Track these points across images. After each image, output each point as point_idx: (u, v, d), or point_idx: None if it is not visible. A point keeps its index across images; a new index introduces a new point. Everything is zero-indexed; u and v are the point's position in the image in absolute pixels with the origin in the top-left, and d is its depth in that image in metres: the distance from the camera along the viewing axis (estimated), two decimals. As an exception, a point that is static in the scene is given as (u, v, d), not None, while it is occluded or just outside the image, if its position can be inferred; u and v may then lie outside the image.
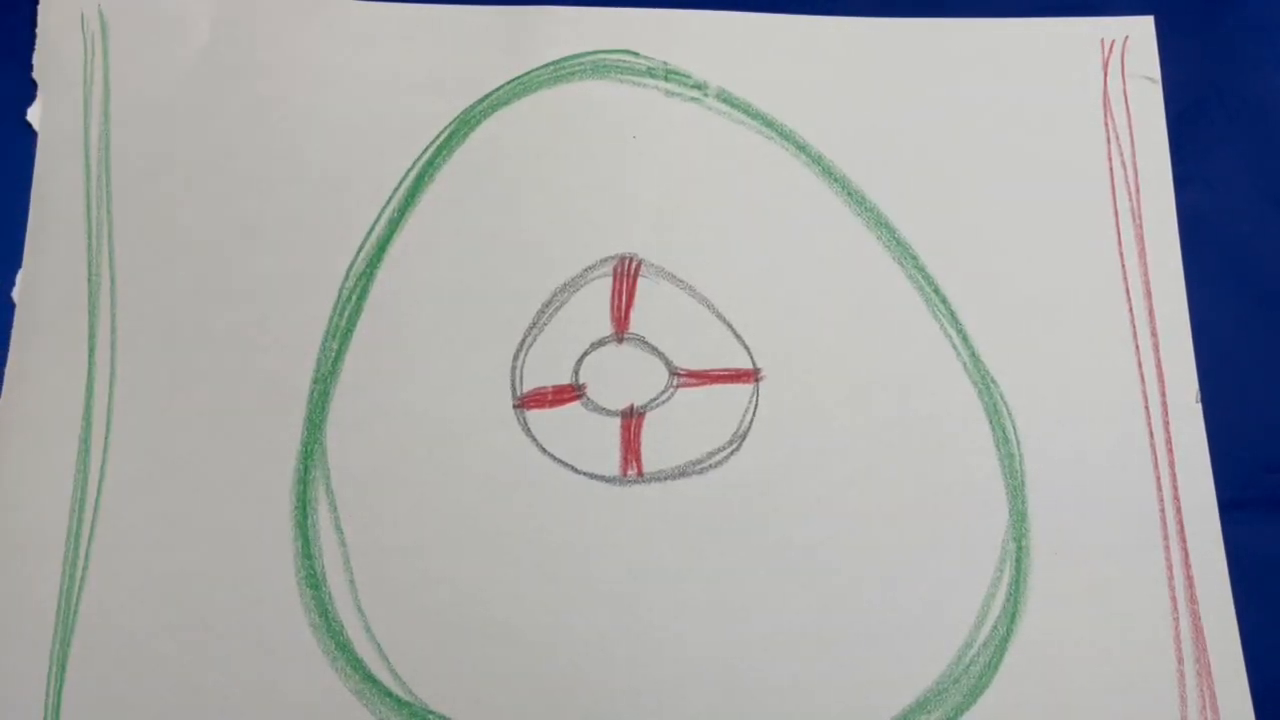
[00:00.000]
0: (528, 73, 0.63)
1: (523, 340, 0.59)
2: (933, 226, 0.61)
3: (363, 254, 0.60)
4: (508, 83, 0.63)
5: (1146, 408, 0.59)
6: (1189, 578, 0.56)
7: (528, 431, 0.57)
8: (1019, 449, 0.58)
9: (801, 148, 0.62)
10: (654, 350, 0.59)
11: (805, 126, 0.62)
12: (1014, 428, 0.58)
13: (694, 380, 0.58)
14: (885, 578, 0.55)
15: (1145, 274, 0.61)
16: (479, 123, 0.62)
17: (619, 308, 0.59)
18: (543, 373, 0.58)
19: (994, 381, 0.59)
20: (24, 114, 0.61)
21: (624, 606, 0.55)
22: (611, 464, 0.57)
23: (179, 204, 0.60)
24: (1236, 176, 0.64)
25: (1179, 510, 0.57)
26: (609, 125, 0.62)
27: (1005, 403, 0.58)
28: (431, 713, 0.53)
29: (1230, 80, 0.65)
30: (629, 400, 0.58)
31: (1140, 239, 0.62)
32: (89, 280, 0.59)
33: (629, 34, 0.64)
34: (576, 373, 0.58)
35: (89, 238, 0.59)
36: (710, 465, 0.57)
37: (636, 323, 0.59)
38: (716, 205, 0.61)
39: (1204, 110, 0.64)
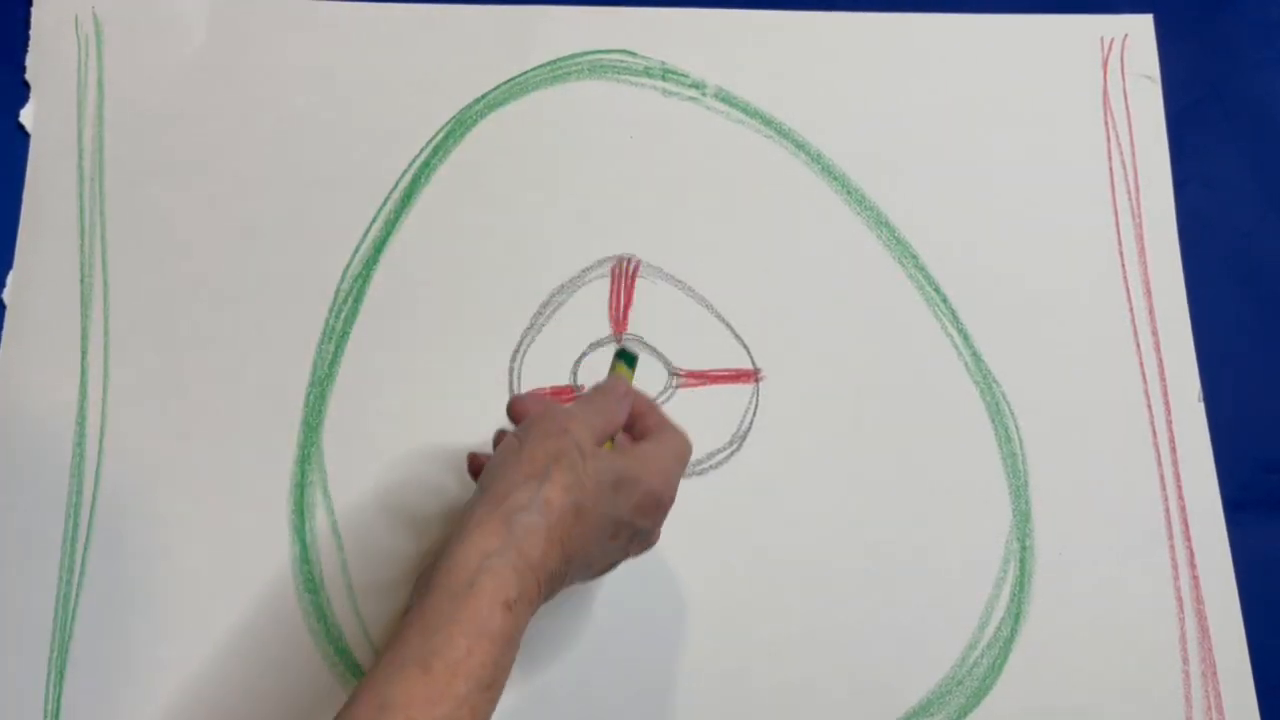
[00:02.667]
0: (525, 73, 0.63)
1: (520, 341, 0.58)
2: (933, 225, 0.61)
3: (359, 255, 0.59)
4: (505, 83, 0.62)
5: (1149, 407, 0.58)
6: (1194, 577, 0.55)
7: (526, 433, 0.57)
8: (1021, 449, 0.57)
9: (801, 146, 0.62)
10: (653, 351, 0.58)
11: (804, 125, 0.62)
12: (1016, 428, 0.58)
13: (693, 381, 0.58)
14: (888, 579, 0.55)
15: (1145, 273, 0.61)
16: (476, 123, 0.62)
17: (617, 308, 0.59)
18: (541, 374, 0.58)
19: (996, 382, 0.58)
20: (16, 115, 0.61)
21: (624, 607, 0.54)
22: (611, 466, 0.56)
23: (173, 206, 0.60)
24: (1236, 176, 0.64)
25: (1183, 510, 0.57)
26: (607, 125, 0.62)
27: (1007, 402, 0.58)
28: (430, 718, 0.52)
29: (1229, 80, 0.65)
30: (628, 401, 0.57)
31: (1140, 238, 0.61)
32: (81, 282, 0.58)
33: (626, 33, 0.63)
34: (575, 374, 0.58)
35: (81, 239, 0.59)
36: (710, 466, 0.56)
37: (635, 323, 0.59)
38: (715, 205, 0.61)
39: (1203, 109, 0.64)
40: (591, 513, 0.42)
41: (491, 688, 0.37)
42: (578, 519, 0.41)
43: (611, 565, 0.46)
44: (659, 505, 0.45)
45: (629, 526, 0.44)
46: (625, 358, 0.49)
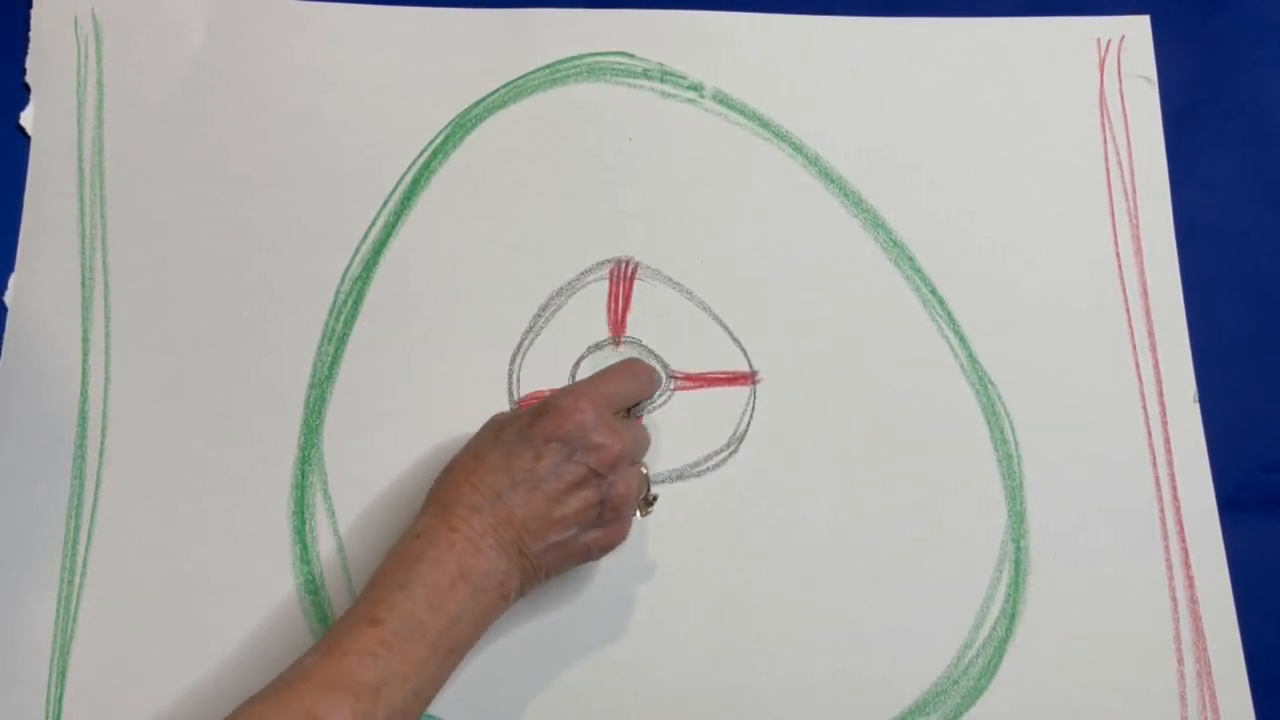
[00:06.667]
0: (523, 76, 0.63)
1: (520, 344, 0.58)
2: (930, 227, 0.61)
3: (359, 257, 0.59)
4: (504, 86, 0.63)
5: (1144, 408, 0.59)
6: (1189, 578, 0.56)
7: (525, 435, 0.57)
8: (1017, 450, 0.58)
9: (798, 148, 0.62)
10: (651, 353, 0.59)
11: (802, 127, 0.62)
12: (1012, 429, 0.58)
13: (691, 383, 0.58)
14: (883, 580, 0.55)
15: (1142, 274, 0.61)
16: (475, 126, 0.62)
17: (616, 311, 0.59)
18: (540, 376, 0.58)
19: (991, 383, 0.59)
20: (17, 118, 0.61)
21: (623, 609, 0.54)
22: (609, 467, 0.57)
23: (173, 208, 0.60)
24: (1232, 177, 0.64)
25: (1178, 510, 0.57)
26: (605, 128, 0.62)
27: (1003, 404, 0.58)
28: (430, 717, 0.53)
29: (1226, 81, 0.65)
30: (626, 403, 0.58)
31: (1137, 239, 0.62)
32: (83, 284, 0.58)
33: (625, 35, 0.63)
34: (574, 376, 0.58)
35: (82, 241, 0.59)
36: (708, 468, 0.57)
37: (633, 326, 0.59)
38: (713, 207, 0.61)
39: (1200, 110, 0.64)
40: (490, 449, 0.49)
41: (405, 588, 0.45)
42: (477, 460, 0.49)
43: (578, 484, 0.48)
44: (560, 412, 0.48)
45: (547, 442, 0.48)
46: None
